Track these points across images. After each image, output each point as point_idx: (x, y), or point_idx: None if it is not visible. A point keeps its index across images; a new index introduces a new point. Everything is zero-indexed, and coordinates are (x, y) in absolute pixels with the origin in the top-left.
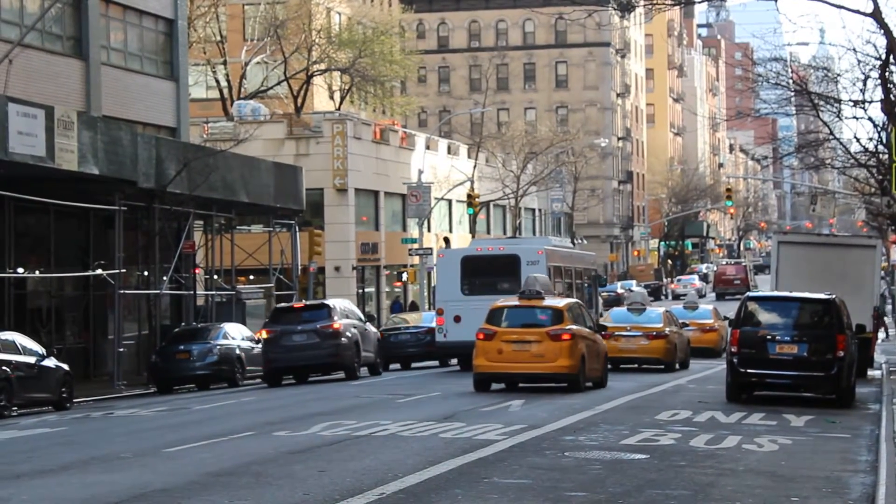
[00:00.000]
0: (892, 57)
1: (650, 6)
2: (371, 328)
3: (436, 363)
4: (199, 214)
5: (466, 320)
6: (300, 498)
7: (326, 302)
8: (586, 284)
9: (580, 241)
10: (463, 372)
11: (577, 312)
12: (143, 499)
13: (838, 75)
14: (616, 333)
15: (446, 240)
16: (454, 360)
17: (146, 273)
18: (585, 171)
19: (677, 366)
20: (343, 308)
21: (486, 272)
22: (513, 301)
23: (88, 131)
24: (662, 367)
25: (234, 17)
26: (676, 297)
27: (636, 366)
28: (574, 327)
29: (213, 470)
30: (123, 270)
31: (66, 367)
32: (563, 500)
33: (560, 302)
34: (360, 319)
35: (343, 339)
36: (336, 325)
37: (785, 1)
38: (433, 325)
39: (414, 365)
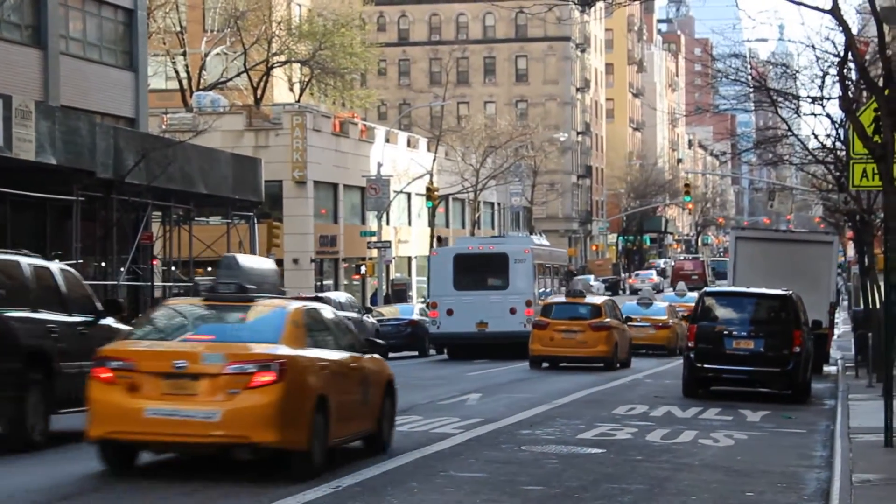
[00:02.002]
0: (850, 54)
1: (611, 1)
2: (369, 319)
3: (415, 353)
4: (157, 205)
5: (458, 313)
6: (257, 491)
7: (321, 295)
8: (561, 277)
9: (539, 235)
10: (449, 362)
11: (611, 307)
12: (95, 491)
13: (797, 72)
14: (628, 324)
15: (439, 238)
16: (432, 351)
17: (103, 264)
18: (545, 165)
19: (678, 351)
20: (340, 301)
21: (476, 269)
22: (561, 298)
23: (46, 121)
24: (666, 352)
25: (193, 8)
26: (634, 291)
27: (644, 351)
28: (609, 320)
29: (171, 462)
30: (81, 261)
31: None
32: (520, 494)
33: (598, 300)
34: (357, 311)
35: None
36: None
37: None
38: (413, 317)
39: (392, 355)
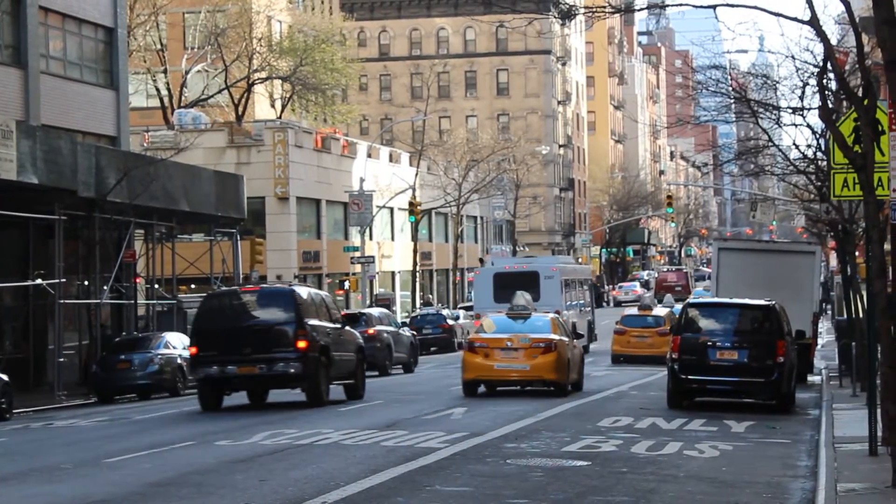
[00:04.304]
0: (829, 64)
1: (590, 14)
2: (405, 332)
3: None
4: (139, 223)
5: None
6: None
7: (363, 311)
8: (586, 289)
9: (522, 248)
10: (437, 374)
11: (670, 316)
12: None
13: (777, 82)
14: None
15: (481, 260)
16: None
17: (86, 282)
18: (527, 178)
19: None
20: (379, 315)
21: (512, 285)
22: (634, 311)
23: (27, 140)
24: None
25: (174, 26)
26: (618, 303)
27: None
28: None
29: (154, 480)
30: (63, 280)
31: (5, 377)
32: None
33: (662, 311)
34: (395, 326)
35: (376, 343)
36: (370, 331)
37: (723, 9)
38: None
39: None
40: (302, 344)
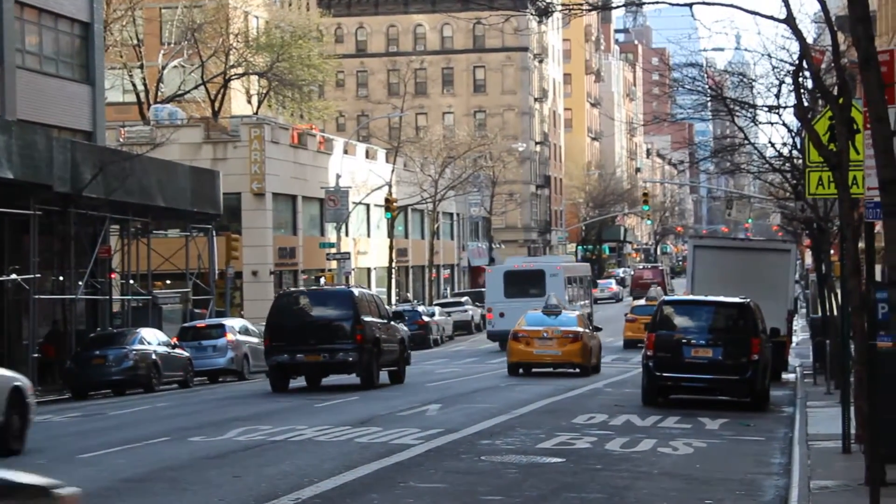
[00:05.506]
0: (804, 62)
1: (567, 11)
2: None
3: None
4: (115, 219)
5: (508, 315)
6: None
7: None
8: (585, 285)
9: (498, 245)
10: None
11: None
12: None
13: (753, 81)
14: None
15: (492, 259)
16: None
17: (61, 278)
18: (503, 175)
19: None
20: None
21: (520, 282)
22: (643, 302)
23: (3, 135)
24: None
25: (150, 21)
26: (595, 300)
27: None
28: None
29: (128, 476)
30: (38, 275)
31: None
32: None
33: None
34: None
35: None
36: None
37: (700, 7)
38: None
39: None
40: (359, 337)
